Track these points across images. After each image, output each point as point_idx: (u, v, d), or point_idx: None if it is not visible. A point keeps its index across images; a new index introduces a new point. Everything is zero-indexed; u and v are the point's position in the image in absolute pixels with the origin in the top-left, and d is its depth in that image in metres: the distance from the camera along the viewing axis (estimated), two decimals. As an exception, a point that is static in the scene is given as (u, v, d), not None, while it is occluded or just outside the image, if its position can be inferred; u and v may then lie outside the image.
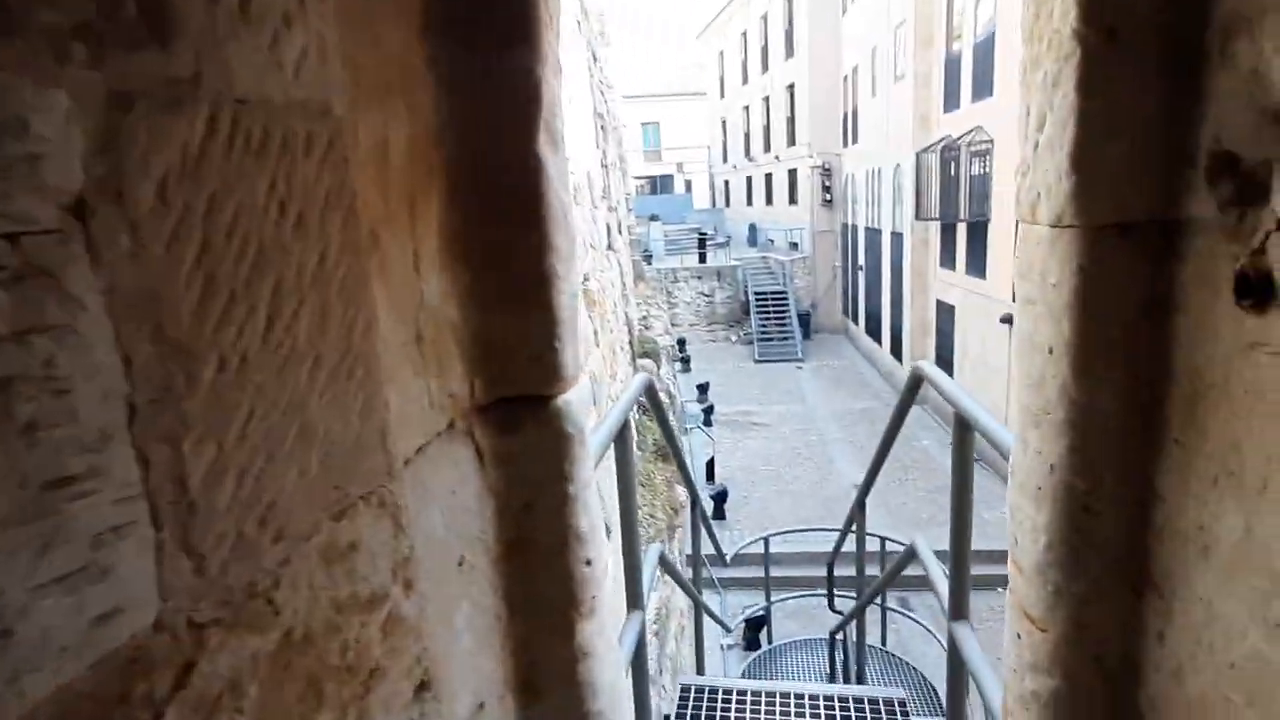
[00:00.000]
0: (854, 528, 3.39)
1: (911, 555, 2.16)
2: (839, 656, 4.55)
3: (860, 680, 3.27)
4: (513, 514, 1.05)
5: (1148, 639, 0.93)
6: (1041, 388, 0.97)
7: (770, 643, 5.66)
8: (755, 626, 9.05)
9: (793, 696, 2.28)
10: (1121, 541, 0.93)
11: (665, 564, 2.44)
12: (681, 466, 2.77)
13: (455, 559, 0.93)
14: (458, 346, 0.96)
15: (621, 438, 1.65)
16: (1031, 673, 1.06)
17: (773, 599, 5.71)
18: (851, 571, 4.44)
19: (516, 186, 0.96)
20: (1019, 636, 1.10)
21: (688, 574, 4.65)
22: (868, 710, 2.17)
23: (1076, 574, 0.96)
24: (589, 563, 1.11)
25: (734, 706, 2.27)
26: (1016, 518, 1.09)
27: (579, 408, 1.10)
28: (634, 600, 1.76)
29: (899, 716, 2.22)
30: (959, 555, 1.57)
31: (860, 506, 3.10)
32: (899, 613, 5.47)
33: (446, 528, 0.90)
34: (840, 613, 4.52)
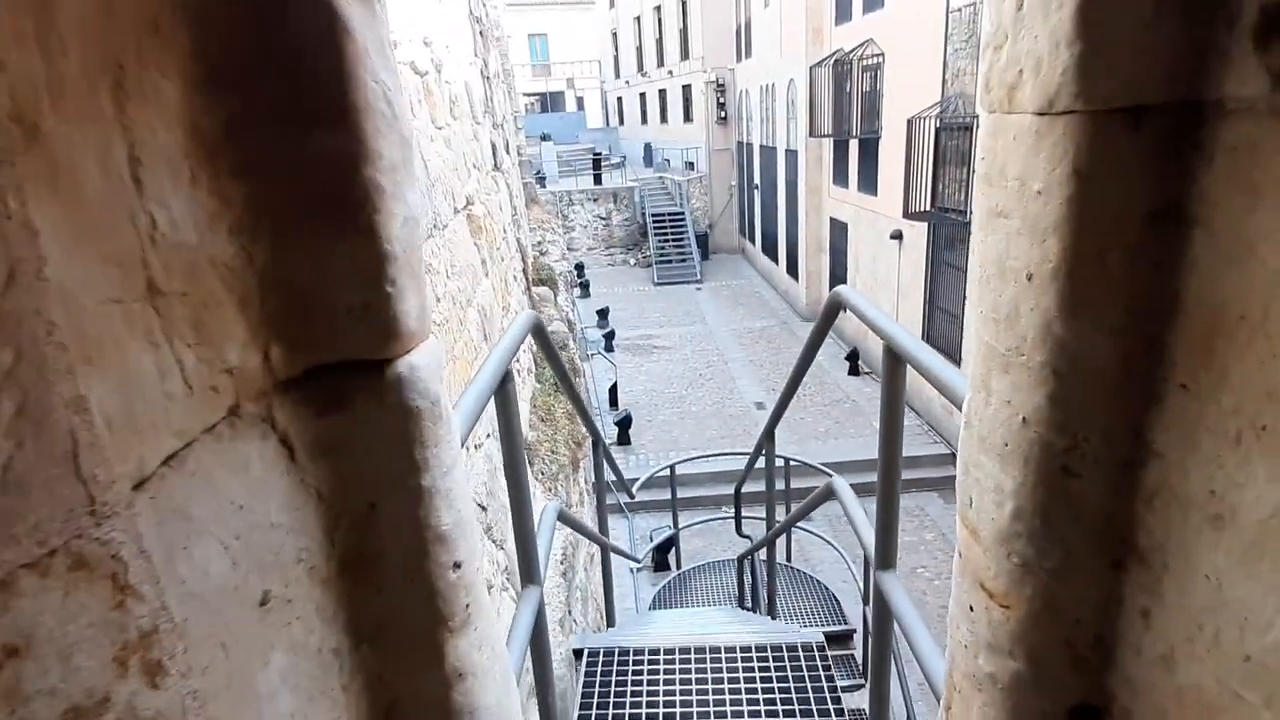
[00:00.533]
0: (763, 453, 3.30)
1: (829, 494, 2.05)
2: (747, 580, 4.59)
3: (771, 607, 3.26)
4: (350, 520, 0.79)
5: (1128, 618, 0.79)
6: (1014, 324, 0.78)
7: (679, 567, 5.68)
8: (663, 548, 9.20)
9: (708, 651, 2.18)
10: (1103, 507, 0.77)
11: (565, 519, 2.23)
12: (580, 407, 2.55)
13: (255, 598, 0.66)
14: (236, 298, 0.66)
15: (502, 391, 1.39)
16: (988, 652, 0.92)
17: (680, 524, 5.70)
18: (758, 487, 4.43)
19: (306, 57, 0.65)
20: (971, 609, 0.95)
21: (593, 516, 4.53)
22: (786, 657, 2.10)
23: (1049, 547, 0.80)
24: (458, 566, 0.87)
25: (645, 668, 2.15)
26: (972, 474, 0.92)
27: (430, 372, 0.83)
28: (529, 574, 1.55)
29: (818, 658, 2.17)
30: (887, 500, 1.43)
31: (769, 436, 2.99)
32: (802, 530, 5.58)
33: (235, 561, 0.63)
34: (748, 537, 4.53)
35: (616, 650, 2.29)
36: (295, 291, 0.70)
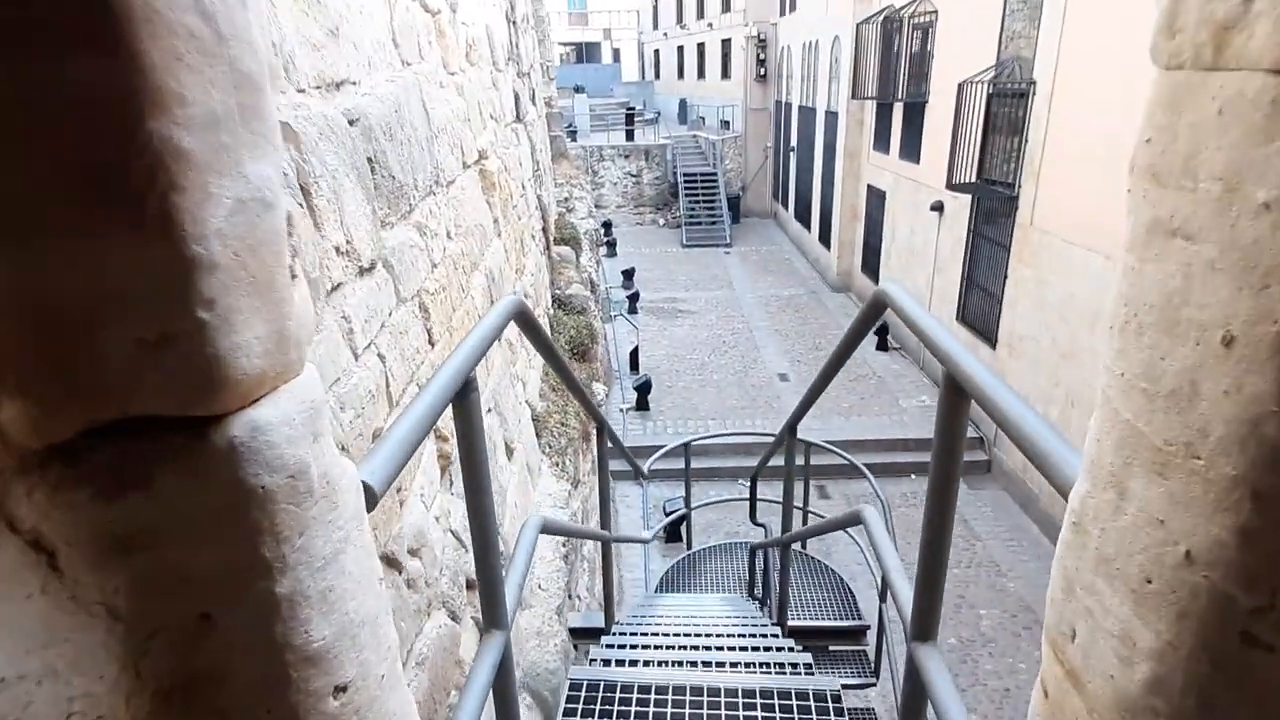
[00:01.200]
0: (783, 445, 3.04)
1: (855, 520, 1.79)
2: (759, 567, 4.37)
3: (781, 616, 3.02)
4: (170, 639, 0.54)
5: None
6: (1185, 406, 0.50)
7: (689, 546, 5.49)
8: (676, 521, 9.05)
9: (706, 691, 1.95)
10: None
11: (552, 529, 1.99)
12: (580, 396, 2.30)
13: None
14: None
15: (462, 402, 1.13)
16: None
17: (694, 502, 5.48)
18: (776, 462, 4.18)
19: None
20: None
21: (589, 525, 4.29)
22: (796, 709, 1.86)
23: (1206, 738, 0.53)
24: (341, 690, 0.62)
25: (634, 709, 1.91)
26: (1080, 600, 0.64)
27: (293, 432, 0.57)
28: (493, 617, 1.31)
29: (830, 709, 1.93)
30: (933, 557, 1.16)
31: (792, 430, 2.72)
32: (817, 514, 5.33)
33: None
34: (763, 526, 4.29)
35: (602, 684, 2.06)
36: (51, 316, 0.44)
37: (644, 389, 11.53)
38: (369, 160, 2.05)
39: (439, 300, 2.61)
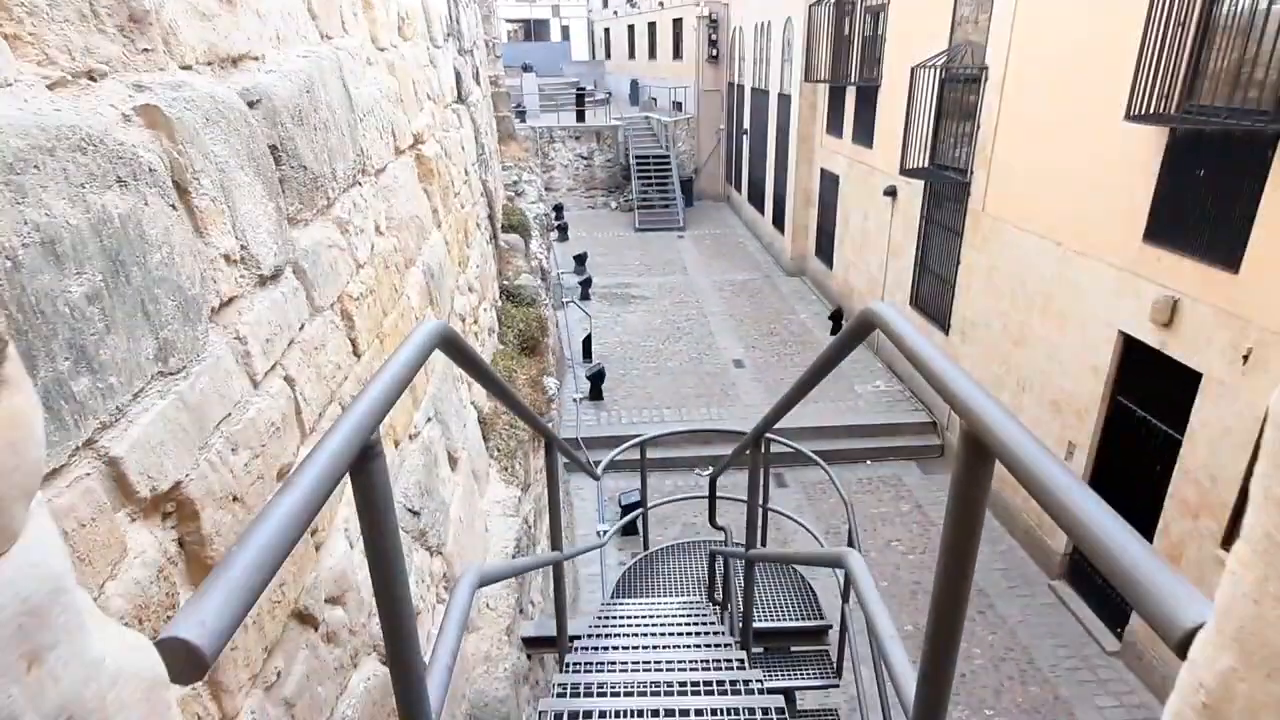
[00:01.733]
0: (747, 454, 2.86)
1: (837, 562, 1.60)
2: (719, 570, 4.21)
3: (745, 637, 2.86)
4: None
5: None
6: None
7: (646, 546, 5.31)
8: (631, 511, 8.88)
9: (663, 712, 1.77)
10: None
11: (493, 579, 1.76)
12: (524, 413, 2.06)
13: None
14: None
15: (364, 472, 0.89)
16: None
17: (650, 500, 5.30)
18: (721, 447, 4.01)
19: None
20: None
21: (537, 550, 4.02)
22: None
23: None
24: None
25: None
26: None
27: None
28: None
29: None
30: (944, 642, 0.97)
31: (756, 443, 2.53)
32: (778, 512, 5.20)
33: None
34: (723, 529, 4.13)
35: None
36: None
37: (597, 378, 11.30)
38: (272, 149, 1.76)
39: (366, 305, 2.34)
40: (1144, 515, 6.53)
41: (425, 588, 2.57)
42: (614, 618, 3.93)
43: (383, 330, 2.52)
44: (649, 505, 5.15)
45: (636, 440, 4.93)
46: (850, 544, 4.18)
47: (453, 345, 1.23)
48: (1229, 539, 5.65)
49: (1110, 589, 7.14)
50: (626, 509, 8.84)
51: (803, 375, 1.78)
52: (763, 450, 2.53)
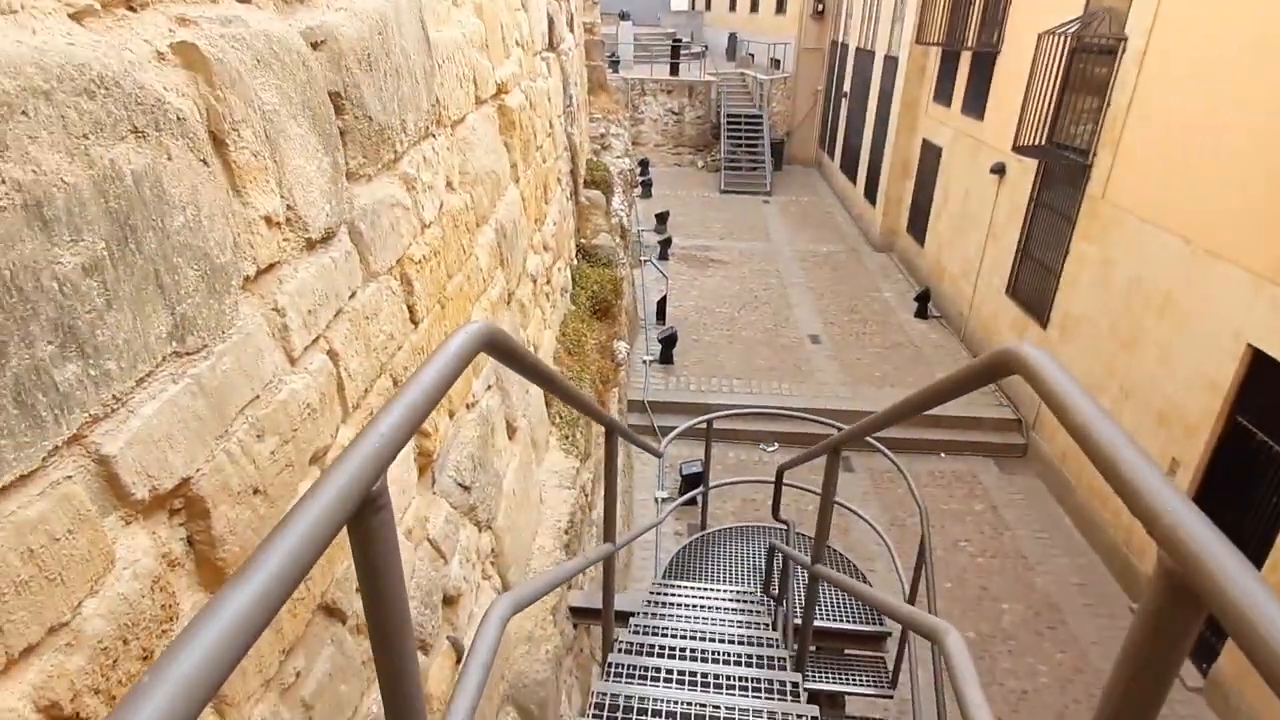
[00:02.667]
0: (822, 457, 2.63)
1: (930, 636, 1.37)
2: (777, 566, 4.02)
3: (801, 653, 2.67)
4: None
5: None
6: None
7: (704, 526, 5.15)
8: (692, 482, 8.74)
9: None
10: None
11: (528, 602, 1.60)
12: (587, 409, 1.88)
13: None
14: None
15: (365, 523, 0.73)
16: None
17: (712, 479, 5.12)
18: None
19: None
20: None
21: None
22: None
23: None
24: None
25: None
26: None
27: None
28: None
29: None
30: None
31: (835, 452, 2.30)
32: (850, 510, 4.95)
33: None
34: (785, 522, 3.91)
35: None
36: None
37: (669, 342, 11.11)
38: (334, 96, 1.60)
39: (429, 269, 2.19)
40: (1255, 547, 5.95)
41: (470, 566, 2.47)
42: (665, 604, 3.80)
43: (445, 295, 2.38)
44: (710, 485, 4.97)
45: (704, 419, 4.73)
46: (922, 554, 3.91)
47: (499, 349, 1.05)
48: (1352, 587, 5.07)
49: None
50: (687, 480, 8.71)
51: (903, 402, 1.53)
52: (840, 457, 2.29)
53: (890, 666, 4.37)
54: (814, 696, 4.27)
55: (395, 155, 1.98)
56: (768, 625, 3.65)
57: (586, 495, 4.59)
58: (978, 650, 6.88)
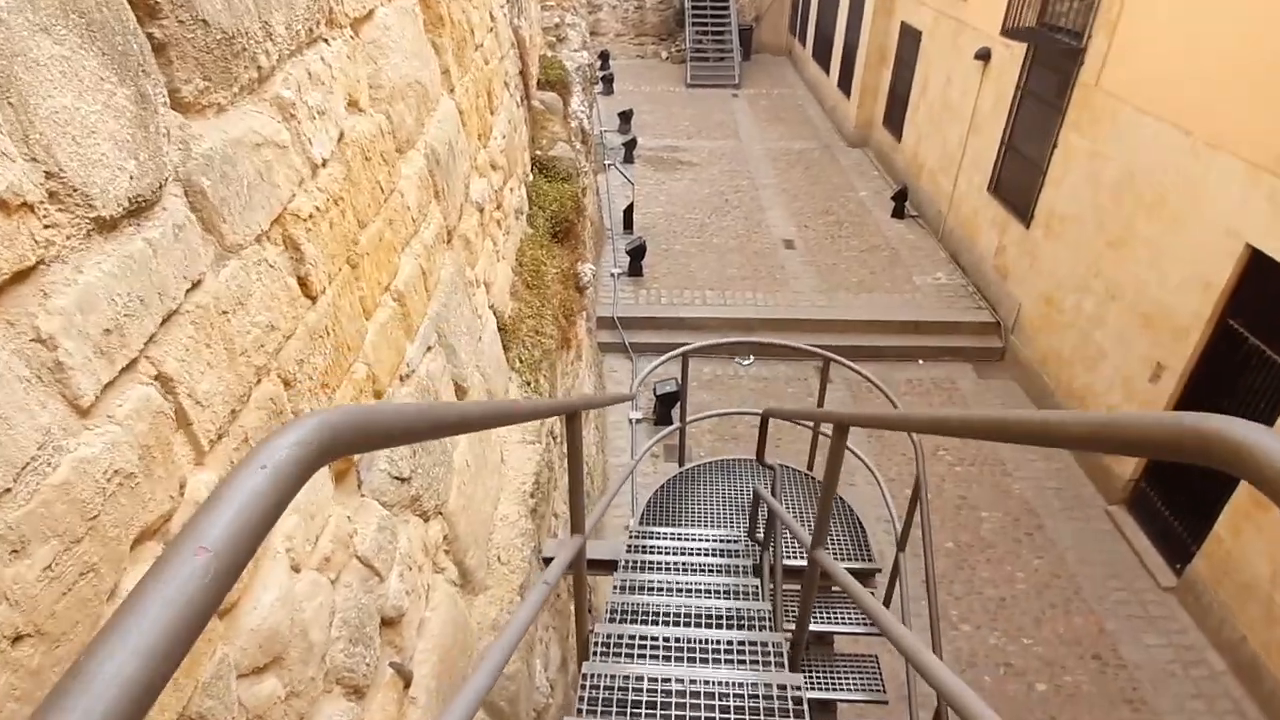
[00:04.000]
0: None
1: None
2: (763, 514, 3.75)
3: (795, 657, 2.39)
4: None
5: None
6: None
7: (682, 463, 4.86)
8: (667, 402, 8.46)
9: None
10: None
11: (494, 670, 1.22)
12: (533, 416, 1.46)
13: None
14: None
15: None
16: None
17: (688, 417, 4.79)
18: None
19: None
20: None
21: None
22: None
23: None
24: None
25: None
26: None
27: None
28: None
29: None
30: None
31: (841, 431, 1.92)
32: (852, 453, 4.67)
33: None
34: (771, 467, 3.60)
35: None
36: None
37: (638, 252, 10.56)
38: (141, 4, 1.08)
39: (326, 223, 1.70)
40: (1235, 453, 5.87)
41: (416, 570, 2.10)
42: (646, 557, 3.53)
43: (357, 251, 1.89)
44: (688, 420, 4.64)
45: (678, 352, 4.34)
46: (917, 494, 3.64)
47: (356, 440, 0.61)
48: (1338, 493, 5.00)
49: (1175, 521, 6.63)
50: (662, 400, 8.42)
51: (955, 415, 1.13)
52: (847, 433, 1.92)
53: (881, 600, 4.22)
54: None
55: (260, 74, 1.45)
56: (757, 592, 3.41)
57: (556, 439, 4.23)
58: (957, 560, 6.89)
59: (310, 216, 1.61)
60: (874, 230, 12.06)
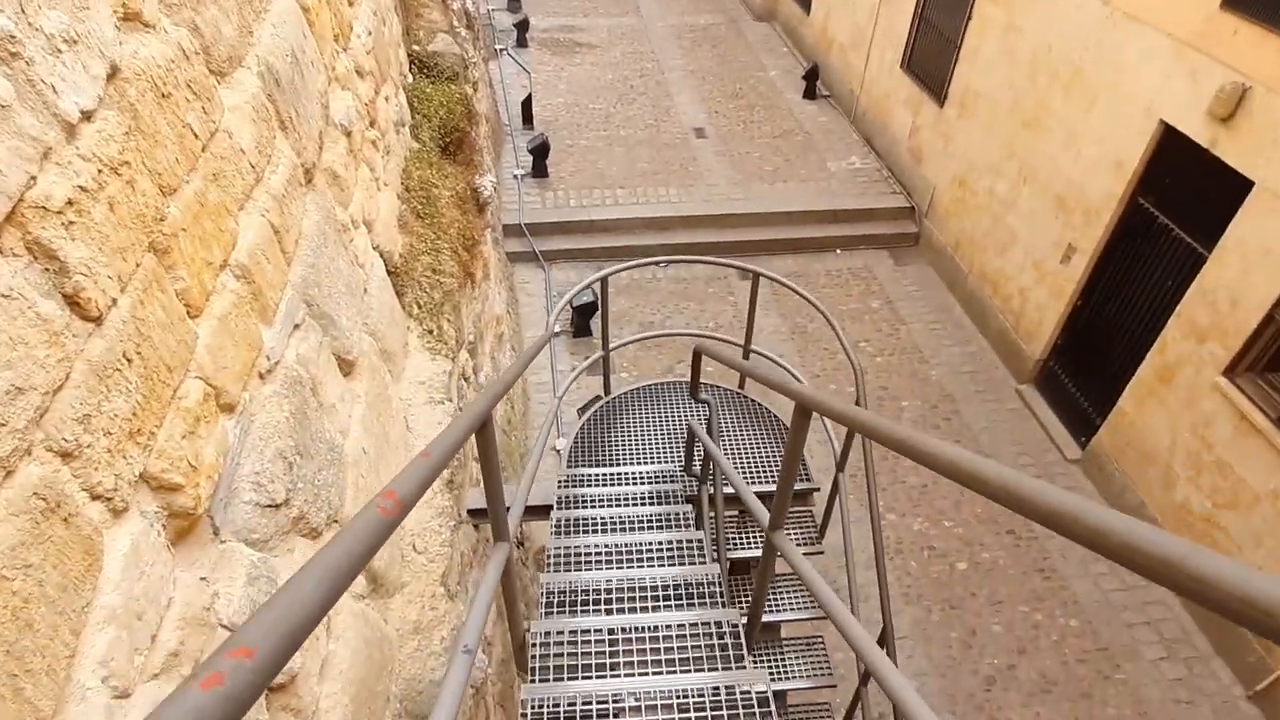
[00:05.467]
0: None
1: None
2: (698, 453, 3.53)
3: (750, 635, 2.20)
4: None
5: None
6: None
7: (608, 391, 4.57)
8: (585, 313, 8.07)
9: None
10: None
11: None
12: (437, 473, 1.09)
13: None
14: None
15: None
16: None
17: (611, 343, 4.45)
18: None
19: None
20: None
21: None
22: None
23: None
24: None
25: None
26: None
27: None
28: None
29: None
30: None
31: (804, 414, 1.63)
32: (766, 356, 4.46)
33: None
34: (705, 402, 3.34)
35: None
36: None
37: (541, 151, 9.80)
38: None
39: (103, 205, 1.21)
40: (1142, 330, 6.06)
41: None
42: (580, 505, 3.28)
43: (163, 231, 1.40)
44: (610, 346, 4.31)
45: (596, 278, 3.94)
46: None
47: None
48: (1233, 367, 5.23)
49: (1081, 397, 6.92)
50: (579, 312, 8.03)
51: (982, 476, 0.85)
52: (809, 418, 1.64)
53: (817, 519, 4.17)
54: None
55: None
56: (690, 522, 3.22)
57: (468, 382, 3.84)
58: (880, 452, 7.04)
59: (71, 203, 1.12)
60: (786, 113, 11.59)
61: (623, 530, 3.25)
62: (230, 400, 1.58)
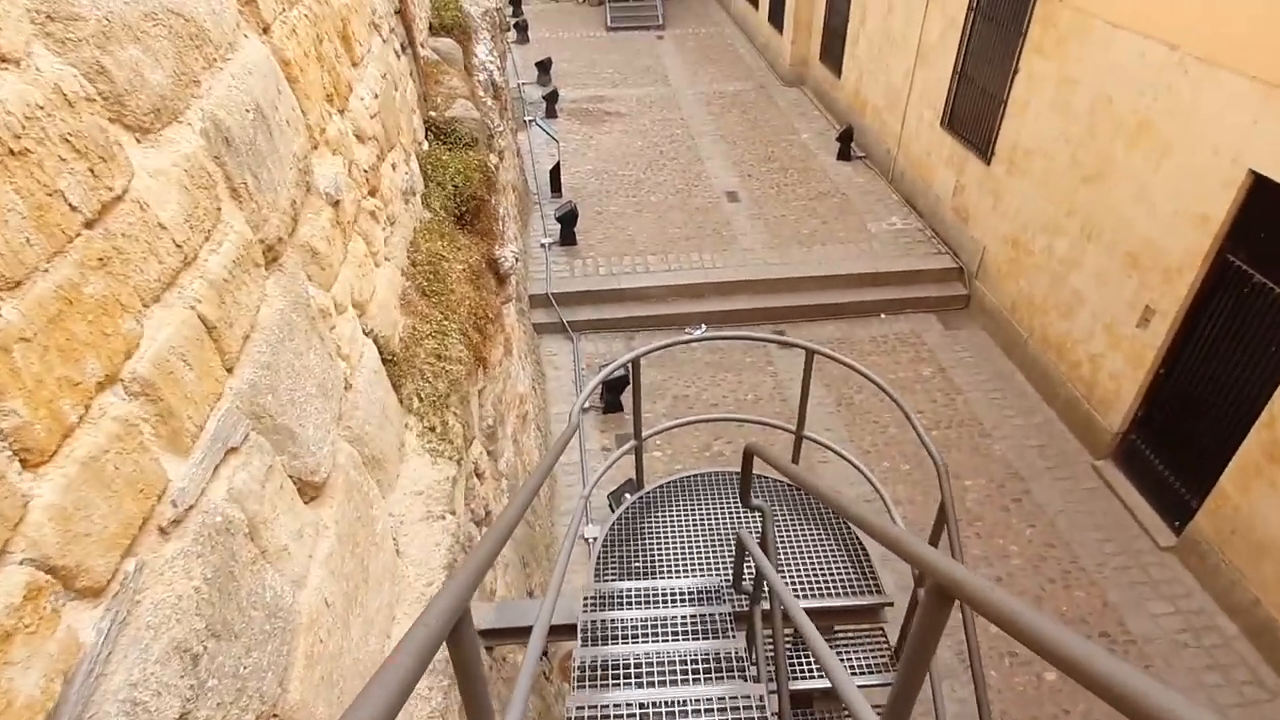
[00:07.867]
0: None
1: None
2: (748, 567, 2.96)
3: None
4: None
5: None
6: None
7: (641, 485, 4.02)
8: (614, 388, 7.60)
9: None
10: None
11: None
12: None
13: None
14: None
15: None
16: None
17: (643, 433, 3.93)
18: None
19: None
20: None
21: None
22: None
23: None
24: None
25: None
26: None
27: None
28: None
29: None
30: None
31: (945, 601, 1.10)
32: (833, 449, 3.91)
33: None
34: (759, 510, 2.77)
35: None
36: None
37: (569, 218, 9.53)
38: None
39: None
40: (1243, 400, 5.36)
41: None
42: (604, 650, 2.70)
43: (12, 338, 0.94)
44: (643, 435, 3.79)
45: (626, 359, 3.45)
46: (943, 518, 2.90)
47: None
48: (1365, 445, 4.51)
49: (1171, 475, 6.16)
50: (609, 387, 7.54)
51: None
52: (950, 606, 1.09)
53: (891, 640, 3.52)
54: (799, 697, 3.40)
55: None
56: (742, 660, 2.63)
57: (481, 475, 3.33)
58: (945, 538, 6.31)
59: None
60: (820, 175, 11.26)
61: (661, 673, 2.65)
62: (92, 582, 1.08)
